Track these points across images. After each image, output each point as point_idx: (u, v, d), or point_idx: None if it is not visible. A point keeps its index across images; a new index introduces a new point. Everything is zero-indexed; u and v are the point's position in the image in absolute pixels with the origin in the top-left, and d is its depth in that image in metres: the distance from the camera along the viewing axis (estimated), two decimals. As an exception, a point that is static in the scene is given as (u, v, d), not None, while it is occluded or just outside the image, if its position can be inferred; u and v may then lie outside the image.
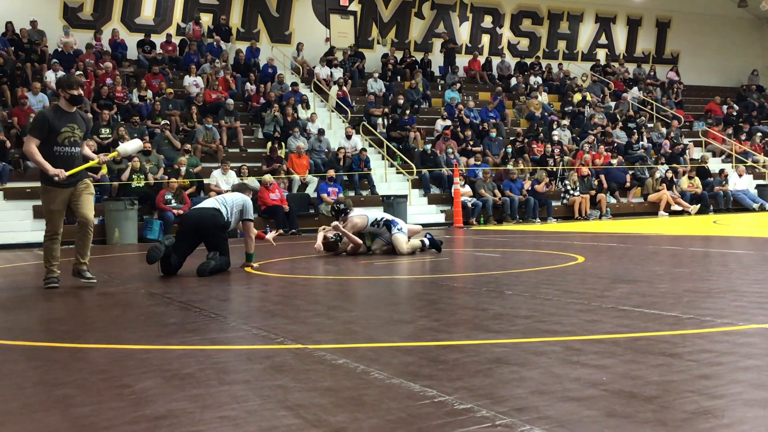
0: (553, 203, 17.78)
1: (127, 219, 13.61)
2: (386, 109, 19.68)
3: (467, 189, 17.02)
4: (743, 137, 23.30)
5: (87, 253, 6.91)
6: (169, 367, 3.22)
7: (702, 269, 6.41)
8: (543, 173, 18.04)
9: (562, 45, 26.48)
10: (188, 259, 7.48)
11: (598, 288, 5.30)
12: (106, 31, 19.66)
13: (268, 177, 15.16)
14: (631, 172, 19.71)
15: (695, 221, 15.58)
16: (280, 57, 21.15)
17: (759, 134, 23.58)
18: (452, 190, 16.50)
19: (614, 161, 19.67)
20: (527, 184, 17.60)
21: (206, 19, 21.18)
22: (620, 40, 27.44)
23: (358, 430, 2.27)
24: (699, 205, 18.93)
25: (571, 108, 22.42)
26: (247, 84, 19.35)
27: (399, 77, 22.16)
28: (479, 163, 18.22)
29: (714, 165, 21.60)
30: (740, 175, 20.34)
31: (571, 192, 17.98)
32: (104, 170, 14.40)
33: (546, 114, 21.75)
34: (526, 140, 19.84)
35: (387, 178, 17.77)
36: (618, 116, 22.56)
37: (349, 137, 17.90)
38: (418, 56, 23.24)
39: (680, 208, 18.76)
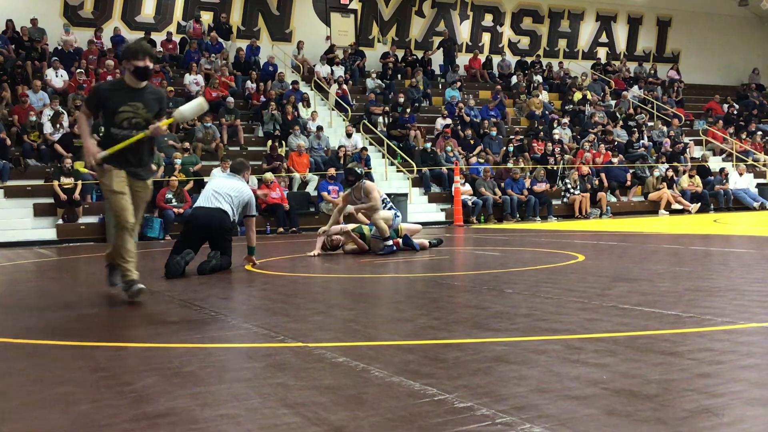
0: (554, 202, 17.78)
1: (128, 217, 13.58)
2: (386, 108, 19.68)
3: (468, 187, 17.02)
4: (744, 136, 23.29)
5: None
6: (170, 365, 3.22)
7: (702, 268, 6.41)
8: (542, 171, 18.03)
9: (562, 43, 26.47)
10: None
11: (599, 287, 5.29)
12: (107, 29, 19.67)
13: (268, 175, 15.16)
14: (631, 171, 19.71)
15: (696, 220, 15.58)
16: (281, 55, 21.14)
17: (759, 133, 23.58)
18: (452, 189, 16.50)
19: (615, 160, 19.67)
20: (527, 183, 17.60)
21: (207, 17, 21.18)
22: (621, 38, 27.42)
23: (358, 429, 2.27)
24: (699, 204, 18.93)
25: (571, 106, 22.41)
26: (248, 82, 19.35)
27: (399, 76, 22.15)
28: (482, 161, 18.22)
29: (714, 164, 21.60)
30: (741, 174, 20.33)
31: (572, 191, 17.98)
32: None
33: (547, 112, 21.75)
34: (526, 140, 19.84)
35: (387, 177, 17.77)
36: (618, 115, 22.55)
37: (349, 136, 17.90)
38: (419, 54, 23.24)
39: (681, 207, 18.76)
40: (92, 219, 14.14)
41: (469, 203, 16.57)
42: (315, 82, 20.28)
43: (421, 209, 16.81)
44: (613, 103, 23.49)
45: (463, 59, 23.98)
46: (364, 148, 17.45)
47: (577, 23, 26.66)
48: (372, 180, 16.39)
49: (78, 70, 17.32)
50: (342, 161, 16.89)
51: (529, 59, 24.97)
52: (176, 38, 20.38)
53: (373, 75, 21.36)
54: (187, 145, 15.78)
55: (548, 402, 2.47)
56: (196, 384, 2.87)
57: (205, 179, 15.27)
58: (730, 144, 22.69)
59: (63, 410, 2.60)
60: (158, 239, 13.72)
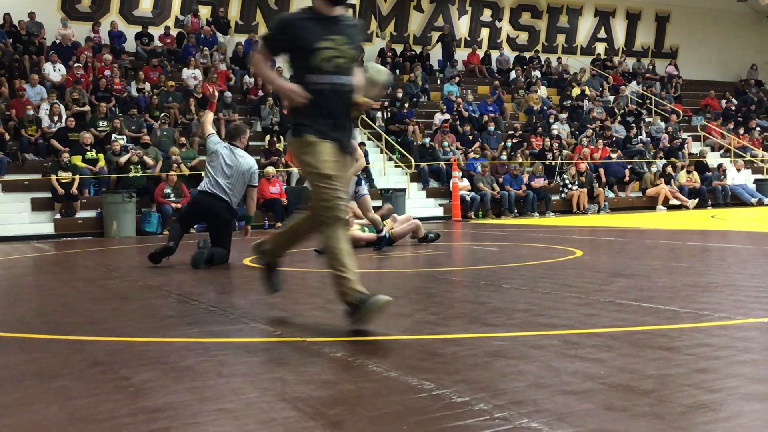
0: (552, 197, 17.79)
1: (126, 212, 13.60)
2: (385, 103, 19.67)
3: (466, 183, 17.02)
4: (742, 131, 23.30)
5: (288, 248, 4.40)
6: (168, 359, 3.22)
7: (700, 263, 6.42)
8: (540, 167, 18.03)
9: (561, 39, 26.44)
10: (182, 250, 7.48)
11: (596, 282, 5.30)
12: (104, 23, 19.62)
13: (270, 169, 15.13)
14: (629, 167, 19.71)
15: (693, 216, 15.60)
16: (279, 50, 21.09)
17: (758, 129, 23.58)
18: (450, 184, 16.50)
19: (613, 155, 19.67)
20: (525, 178, 17.60)
21: (205, 11, 21.13)
22: (619, 34, 27.40)
23: (356, 423, 2.28)
24: (697, 200, 18.96)
25: (569, 102, 22.40)
26: (246, 77, 19.32)
27: (398, 71, 22.13)
28: (478, 156, 18.21)
29: (712, 159, 21.61)
30: (738, 170, 20.36)
31: (570, 186, 17.98)
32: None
33: (545, 108, 21.74)
34: (524, 135, 19.84)
35: (385, 172, 17.76)
36: (617, 110, 22.55)
37: (347, 131, 17.87)
38: (417, 49, 23.21)
39: (678, 203, 18.78)
40: (90, 213, 14.12)
41: (467, 198, 16.57)
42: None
43: (419, 204, 16.81)
44: (611, 98, 23.48)
45: (461, 54, 23.95)
46: (362, 143, 17.43)
47: (576, 18, 26.63)
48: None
49: (75, 64, 17.28)
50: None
51: (527, 54, 24.95)
52: (174, 32, 20.33)
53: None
54: (183, 140, 15.75)
55: (546, 397, 2.47)
56: (193, 378, 2.87)
57: (203, 173, 15.27)
58: (728, 140, 22.70)
59: (60, 405, 2.60)
60: (156, 234, 13.71)
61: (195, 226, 13.85)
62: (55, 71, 17.19)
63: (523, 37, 25.89)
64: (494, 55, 24.54)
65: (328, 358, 3.15)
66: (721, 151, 22.73)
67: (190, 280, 6.34)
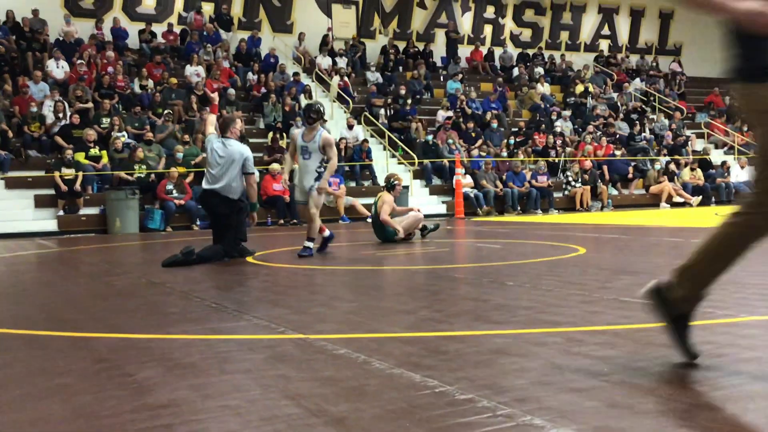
0: (555, 194, 17.76)
1: (129, 209, 13.61)
2: (388, 100, 19.65)
3: (469, 180, 17.01)
4: (745, 129, 23.25)
5: None
6: (171, 356, 3.22)
7: (703, 261, 6.39)
8: (542, 164, 18.00)
9: (564, 36, 26.39)
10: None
11: (600, 279, 5.29)
12: (107, 20, 19.62)
13: (275, 166, 15.13)
14: (633, 164, 19.67)
15: (697, 213, 15.57)
16: (282, 47, 21.10)
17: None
18: (454, 181, 16.49)
19: (617, 153, 19.64)
20: (528, 175, 17.58)
21: (208, 8, 21.12)
22: (623, 31, 27.34)
23: (359, 420, 2.27)
24: (701, 197, 18.91)
25: (573, 99, 22.37)
26: (249, 74, 19.31)
27: (401, 68, 22.11)
28: (484, 154, 18.19)
29: (716, 157, 21.56)
30: (742, 167, 20.30)
31: (573, 183, 17.96)
32: None
33: (548, 105, 21.71)
34: (528, 132, 19.81)
35: (388, 169, 17.73)
36: (619, 106, 22.50)
37: (350, 128, 17.87)
38: (420, 46, 23.18)
39: (682, 200, 18.74)
40: (93, 210, 14.13)
41: (471, 195, 16.57)
42: (316, 73, 20.24)
43: (423, 201, 16.78)
44: (615, 95, 23.44)
45: (464, 51, 23.92)
46: (366, 140, 17.42)
47: (579, 15, 26.58)
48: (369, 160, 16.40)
49: (79, 61, 17.29)
50: (343, 153, 16.86)
51: (530, 51, 24.90)
52: (177, 29, 20.33)
53: (372, 68, 21.31)
54: (187, 137, 15.75)
55: (549, 394, 2.47)
56: (197, 375, 2.87)
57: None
58: (732, 137, 22.65)
59: (64, 401, 2.60)
60: (159, 231, 13.72)
61: (198, 223, 13.91)
62: (58, 68, 17.19)
63: (526, 34, 25.84)
64: (497, 52, 24.49)
65: (331, 355, 3.15)
66: (725, 148, 22.68)
67: (193, 277, 6.34)
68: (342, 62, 21.02)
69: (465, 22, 24.82)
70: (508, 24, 25.54)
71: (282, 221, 14.86)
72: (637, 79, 24.93)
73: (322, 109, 7.90)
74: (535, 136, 19.59)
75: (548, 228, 11.79)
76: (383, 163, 17.73)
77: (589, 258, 6.91)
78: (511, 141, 19.03)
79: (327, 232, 8.18)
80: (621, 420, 2.19)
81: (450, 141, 18.15)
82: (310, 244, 7.74)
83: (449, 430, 2.16)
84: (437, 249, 8.33)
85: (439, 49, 23.79)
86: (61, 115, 15.46)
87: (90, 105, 16.20)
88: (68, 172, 14.01)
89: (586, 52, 26.44)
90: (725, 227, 2.76)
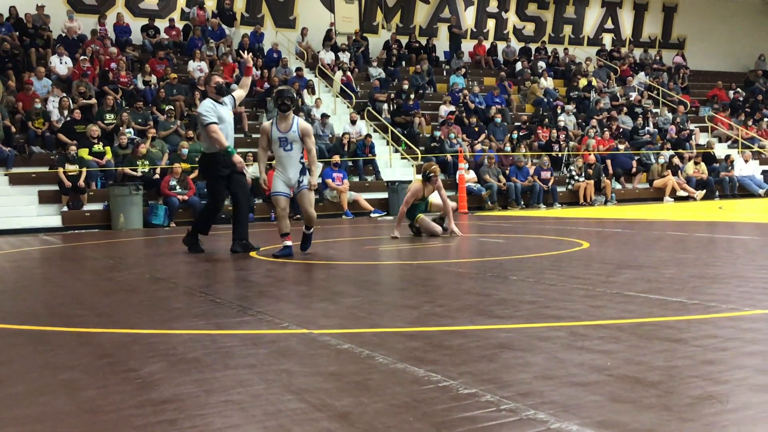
0: (558, 189, 17.75)
1: (132, 204, 13.63)
2: (391, 95, 19.63)
3: (472, 175, 17.00)
4: (749, 122, 23.19)
5: None
6: (175, 351, 3.23)
7: (707, 255, 6.39)
8: (545, 159, 17.97)
9: (567, 29, 26.33)
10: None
11: (603, 273, 5.29)
12: (110, 16, 19.62)
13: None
14: (636, 158, 19.64)
15: (701, 207, 15.54)
16: (285, 42, 21.08)
17: (766, 120, 23.46)
18: (457, 176, 16.48)
19: (621, 147, 19.60)
20: (532, 170, 17.57)
21: (210, 3, 21.11)
22: (626, 24, 27.27)
23: (363, 415, 2.28)
24: (704, 191, 18.89)
25: (576, 93, 22.33)
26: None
27: (404, 62, 22.08)
28: (487, 148, 18.17)
29: (720, 150, 21.51)
30: (746, 161, 20.27)
31: (576, 178, 17.93)
32: None
33: (551, 99, 21.67)
34: (531, 126, 19.78)
35: (391, 164, 17.74)
36: (621, 98, 22.45)
37: (353, 123, 17.86)
38: (423, 41, 23.15)
39: (686, 194, 18.71)
40: (97, 206, 14.15)
41: (475, 189, 16.56)
42: (319, 68, 20.22)
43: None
44: (618, 89, 23.39)
45: (467, 46, 23.88)
46: (369, 135, 17.41)
47: (583, 9, 26.51)
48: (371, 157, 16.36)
49: (82, 57, 17.30)
50: (346, 148, 16.85)
51: (533, 45, 24.85)
52: (179, 25, 20.33)
53: (374, 63, 21.27)
54: (191, 133, 15.76)
55: (552, 388, 2.47)
56: (200, 370, 2.88)
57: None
58: (736, 131, 22.60)
59: (68, 396, 2.61)
60: (163, 226, 13.74)
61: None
62: (61, 64, 17.21)
63: (529, 28, 25.78)
64: (500, 46, 24.45)
65: (335, 350, 3.15)
66: (729, 142, 22.63)
67: (196, 272, 6.35)
68: (345, 57, 20.99)
69: (468, 17, 24.78)
70: (511, 18, 25.49)
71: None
72: (641, 73, 24.87)
73: (295, 95, 7.57)
74: (538, 131, 19.57)
75: (551, 222, 11.78)
76: (386, 158, 17.73)
77: (593, 252, 6.90)
78: (515, 135, 19.00)
79: (290, 242, 7.33)
80: (624, 414, 2.19)
81: (452, 135, 18.13)
82: (311, 231, 7.62)
83: (453, 425, 2.16)
84: (441, 244, 8.33)
85: (442, 43, 23.76)
86: (66, 112, 15.49)
87: (93, 101, 16.22)
88: (72, 168, 14.04)
89: (590, 45, 26.38)
90: None
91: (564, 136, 19.53)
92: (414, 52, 22.45)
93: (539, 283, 4.89)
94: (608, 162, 18.86)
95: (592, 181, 17.84)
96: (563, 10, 26.24)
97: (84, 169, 14.11)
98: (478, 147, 18.22)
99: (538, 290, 4.60)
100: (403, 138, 18.02)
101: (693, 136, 21.59)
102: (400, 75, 21.01)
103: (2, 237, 12.17)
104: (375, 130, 18.56)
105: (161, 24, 20.03)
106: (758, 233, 8.69)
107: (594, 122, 20.30)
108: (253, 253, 7.67)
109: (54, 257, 8.73)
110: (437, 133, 18.01)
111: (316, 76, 20.06)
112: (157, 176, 14.53)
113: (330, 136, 17.53)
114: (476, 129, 19.05)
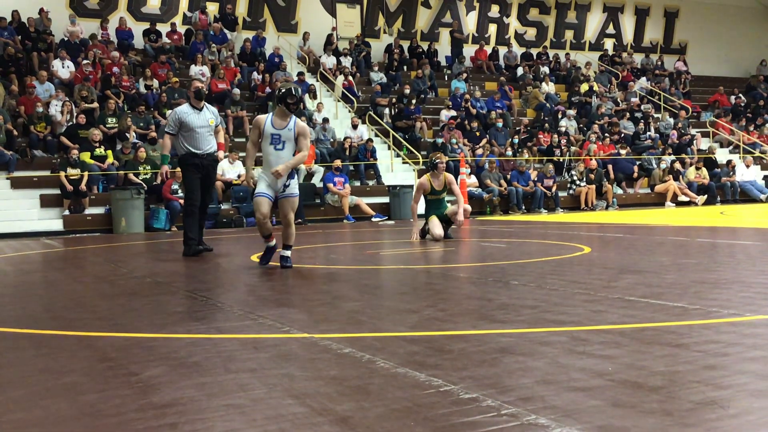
0: (560, 194, 17.74)
1: (134, 208, 13.64)
2: (392, 99, 19.64)
3: (473, 180, 17.00)
4: (751, 128, 23.18)
5: None
6: (176, 355, 3.23)
7: (709, 260, 6.39)
8: (549, 166, 17.98)
9: (569, 35, 26.36)
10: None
11: (604, 278, 5.29)
12: (113, 20, 19.66)
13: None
14: (638, 163, 19.64)
15: (702, 212, 15.53)
16: (287, 46, 21.11)
17: (767, 125, 23.44)
18: (458, 181, 16.48)
19: (622, 152, 19.60)
20: (534, 175, 17.56)
21: (212, 8, 21.14)
22: (628, 29, 27.29)
23: (364, 419, 2.28)
24: (706, 196, 18.87)
25: (577, 98, 22.34)
26: (254, 73, 19.33)
27: (405, 67, 22.10)
28: (488, 153, 18.17)
29: (721, 156, 21.50)
30: (748, 166, 20.25)
31: (578, 183, 17.93)
32: None
33: (553, 104, 21.68)
34: (532, 131, 19.78)
35: (393, 168, 17.75)
36: (622, 104, 22.45)
37: (355, 127, 17.87)
38: (425, 46, 23.17)
39: (687, 199, 18.70)
40: (98, 210, 14.16)
41: (476, 193, 16.55)
42: (321, 73, 20.25)
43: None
44: (619, 94, 23.39)
45: (469, 50, 23.91)
46: (370, 140, 17.42)
47: (584, 14, 26.54)
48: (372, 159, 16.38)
49: (84, 61, 17.33)
50: (348, 153, 16.85)
51: (535, 51, 24.87)
52: (181, 29, 20.37)
53: (376, 68, 21.30)
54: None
55: (554, 393, 2.47)
56: (201, 374, 2.88)
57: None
58: (738, 136, 22.59)
59: (69, 400, 2.61)
60: (164, 230, 13.75)
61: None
62: (63, 68, 17.24)
63: (531, 33, 25.81)
64: (502, 51, 24.47)
65: (336, 354, 3.15)
66: (730, 147, 22.62)
67: (197, 276, 6.35)
68: (346, 62, 21.02)
69: (469, 22, 24.81)
70: (513, 23, 25.52)
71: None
72: (643, 78, 24.88)
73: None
74: (539, 136, 19.57)
75: (553, 227, 11.78)
76: (387, 162, 17.74)
77: (594, 257, 6.90)
78: (516, 140, 19.01)
79: (273, 242, 6.90)
80: (625, 419, 2.19)
81: (453, 140, 18.14)
82: (288, 253, 6.73)
83: (454, 430, 2.16)
84: (442, 248, 8.33)
85: (443, 48, 23.78)
86: (70, 116, 15.51)
87: (95, 105, 16.24)
88: (74, 172, 14.05)
89: (591, 51, 26.40)
90: None
91: (565, 141, 19.54)
92: (415, 57, 22.47)
93: (540, 288, 4.89)
94: (610, 167, 18.86)
95: (593, 186, 17.83)
96: (565, 16, 26.26)
97: (86, 173, 14.13)
98: (480, 152, 18.22)
99: (539, 295, 4.60)
100: (404, 142, 18.03)
101: (694, 142, 21.58)
102: (401, 79, 21.03)
103: (4, 240, 12.18)
104: (376, 135, 18.58)
105: (163, 28, 20.06)
106: (760, 238, 8.69)
107: (595, 127, 20.30)
108: (254, 257, 7.67)
109: (55, 261, 8.74)
110: (439, 140, 17.99)
111: (317, 81, 20.09)
112: (158, 180, 14.54)
113: (331, 140, 17.55)
114: (477, 134, 19.05)
